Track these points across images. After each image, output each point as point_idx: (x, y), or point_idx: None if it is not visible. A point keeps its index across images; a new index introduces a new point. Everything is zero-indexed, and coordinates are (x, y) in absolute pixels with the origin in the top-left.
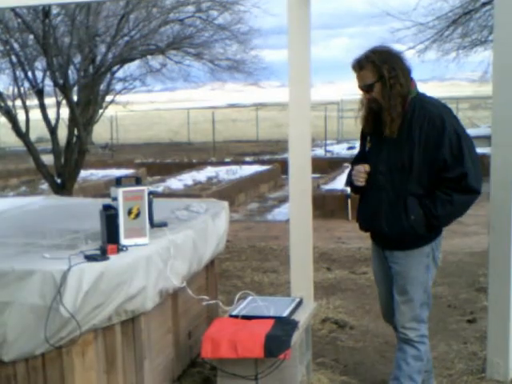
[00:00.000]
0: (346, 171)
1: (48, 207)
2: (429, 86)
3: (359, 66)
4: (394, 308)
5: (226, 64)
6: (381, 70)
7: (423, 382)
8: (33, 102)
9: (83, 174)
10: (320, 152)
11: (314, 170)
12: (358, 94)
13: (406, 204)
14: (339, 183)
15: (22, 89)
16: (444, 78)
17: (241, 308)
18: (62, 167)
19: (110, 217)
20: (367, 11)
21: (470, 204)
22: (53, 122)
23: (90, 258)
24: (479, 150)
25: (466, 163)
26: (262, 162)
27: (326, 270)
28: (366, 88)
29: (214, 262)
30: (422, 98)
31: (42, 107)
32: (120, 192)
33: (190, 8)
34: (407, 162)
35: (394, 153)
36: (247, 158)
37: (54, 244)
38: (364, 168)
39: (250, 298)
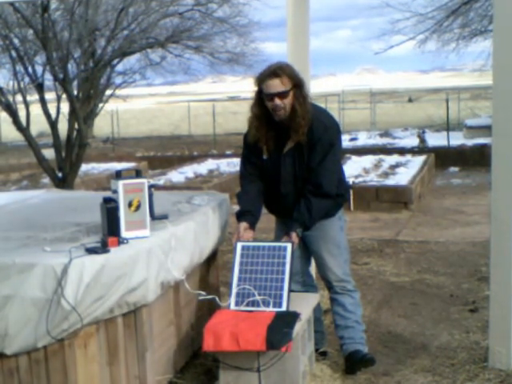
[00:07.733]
0: (348, 162)
1: (49, 201)
2: (430, 77)
3: (275, 73)
4: (324, 268)
5: (226, 57)
6: (296, 78)
7: (316, 344)
8: (33, 96)
9: (84, 167)
10: None
11: None
12: (358, 85)
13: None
14: None
15: (22, 83)
16: (445, 68)
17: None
18: (63, 161)
19: (110, 209)
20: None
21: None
22: (53, 116)
23: (90, 251)
24: (480, 140)
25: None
26: None
27: None
28: (282, 94)
29: (215, 254)
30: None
31: (43, 101)
32: (120, 184)
33: (189, 1)
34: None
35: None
36: None
37: (55, 237)
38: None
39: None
